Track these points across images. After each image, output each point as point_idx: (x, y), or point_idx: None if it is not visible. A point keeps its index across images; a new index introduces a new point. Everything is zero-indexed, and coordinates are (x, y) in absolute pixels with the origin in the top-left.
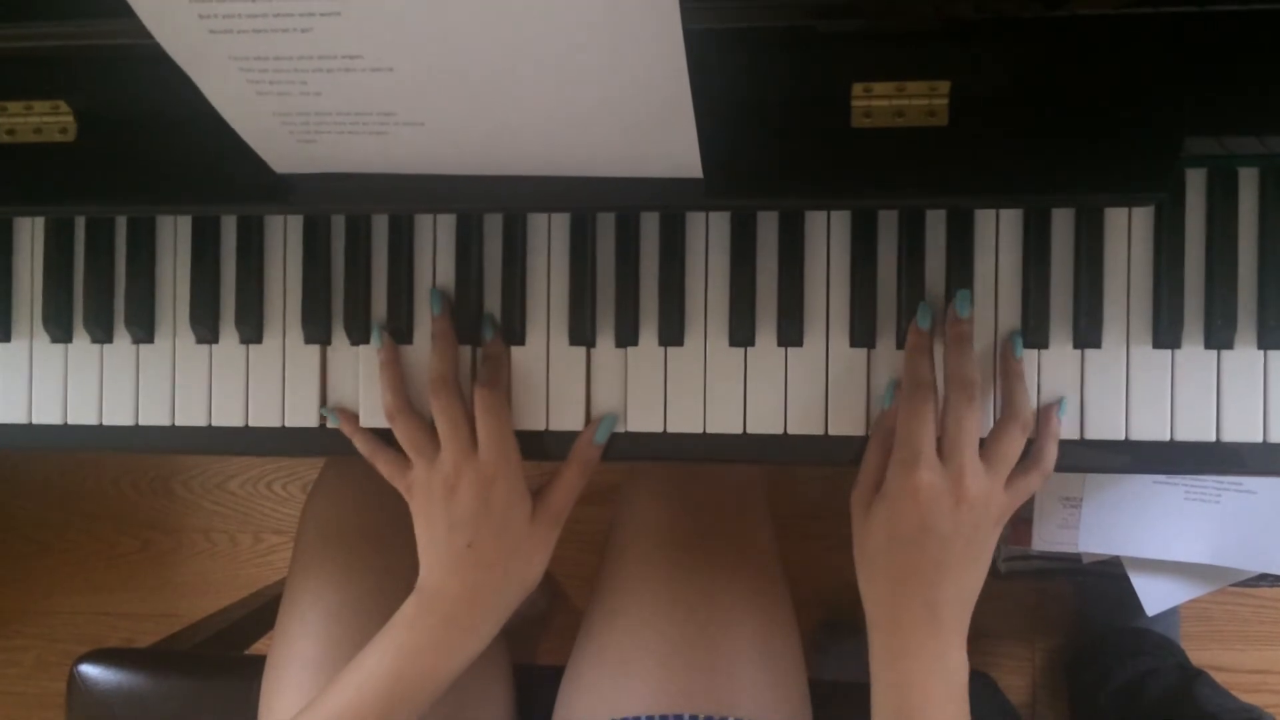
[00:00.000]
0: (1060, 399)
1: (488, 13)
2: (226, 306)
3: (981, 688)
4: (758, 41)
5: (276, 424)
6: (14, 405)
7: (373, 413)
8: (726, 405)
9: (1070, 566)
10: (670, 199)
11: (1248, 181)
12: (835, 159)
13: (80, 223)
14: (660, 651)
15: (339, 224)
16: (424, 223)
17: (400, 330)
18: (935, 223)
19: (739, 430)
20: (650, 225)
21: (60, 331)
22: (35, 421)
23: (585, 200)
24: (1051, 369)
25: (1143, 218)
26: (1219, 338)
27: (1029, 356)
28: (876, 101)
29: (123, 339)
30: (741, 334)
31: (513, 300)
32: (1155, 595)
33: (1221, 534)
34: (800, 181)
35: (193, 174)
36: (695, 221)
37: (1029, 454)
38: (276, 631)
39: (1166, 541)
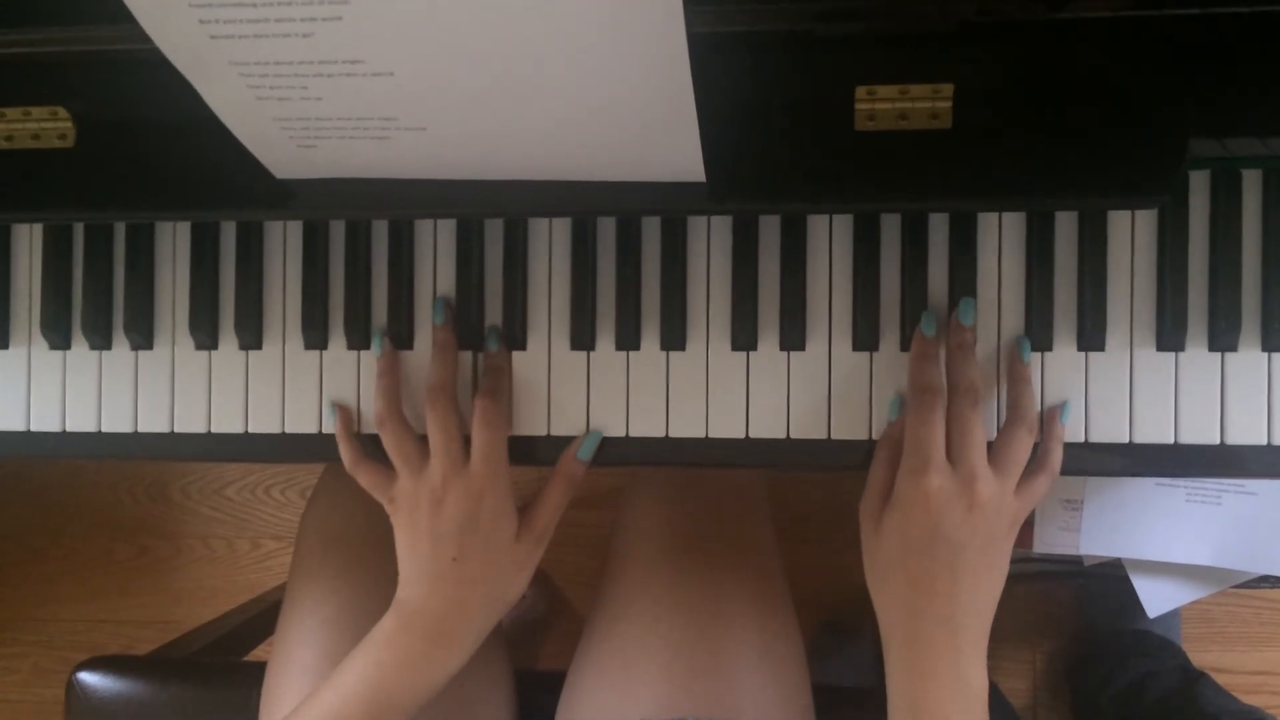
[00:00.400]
0: (1064, 402)
1: (490, 18)
2: (226, 312)
3: None
4: (761, 45)
5: (276, 430)
6: (12, 413)
7: (367, 421)
8: (728, 410)
9: (1071, 569)
10: (673, 203)
11: (1251, 183)
12: (839, 162)
13: (79, 229)
14: (663, 656)
15: (339, 229)
16: (424, 228)
17: (400, 336)
18: (938, 225)
19: (741, 435)
20: (651, 229)
21: (59, 338)
22: (33, 429)
23: (587, 205)
24: (1055, 372)
25: (1146, 220)
26: (1223, 340)
27: (1033, 359)
28: (880, 105)
29: (121, 346)
30: (743, 338)
31: (514, 305)
32: (1157, 597)
33: (1223, 536)
34: (804, 185)
35: (192, 180)
36: (697, 225)
37: (1035, 458)
38: (276, 638)
39: (1168, 543)
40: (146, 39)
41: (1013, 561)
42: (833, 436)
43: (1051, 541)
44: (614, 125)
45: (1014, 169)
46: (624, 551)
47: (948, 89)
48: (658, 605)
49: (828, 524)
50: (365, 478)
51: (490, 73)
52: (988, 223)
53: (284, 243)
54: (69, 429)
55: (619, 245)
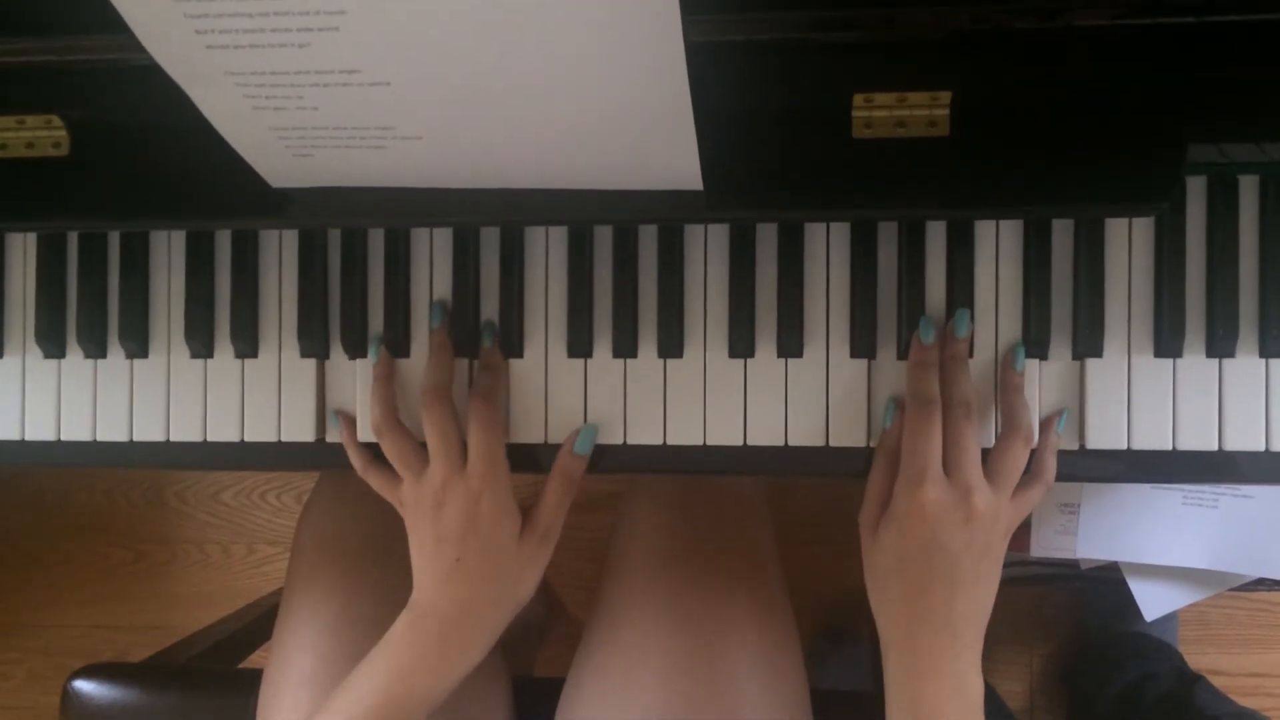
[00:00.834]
0: (1061, 411)
1: (487, 27)
2: (221, 321)
3: None
4: (758, 53)
5: (272, 439)
6: (6, 421)
7: (366, 428)
8: (726, 417)
9: (1068, 572)
10: (671, 211)
11: (1248, 189)
12: (837, 170)
13: (73, 236)
14: (662, 663)
15: (335, 237)
16: (420, 235)
17: (397, 343)
18: (935, 232)
19: (739, 442)
20: (648, 237)
21: (53, 347)
22: (28, 438)
23: (585, 213)
24: (1053, 379)
25: (1143, 226)
26: (1221, 346)
27: (1030, 366)
28: (878, 112)
29: (116, 354)
30: (741, 345)
31: (510, 312)
32: (1154, 600)
33: (1219, 539)
34: (802, 193)
35: (188, 189)
36: (694, 233)
37: (1030, 467)
38: (273, 646)
39: (1164, 546)
40: (141, 49)
41: (1010, 564)
42: (831, 444)
43: (1049, 545)
44: (612, 134)
45: (1012, 177)
46: (623, 557)
47: (945, 96)
48: (657, 612)
49: (826, 528)
50: (376, 481)
51: (487, 82)
52: (985, 230)
53: (279, 251)
54: (64, 438)
55: (616, 253)
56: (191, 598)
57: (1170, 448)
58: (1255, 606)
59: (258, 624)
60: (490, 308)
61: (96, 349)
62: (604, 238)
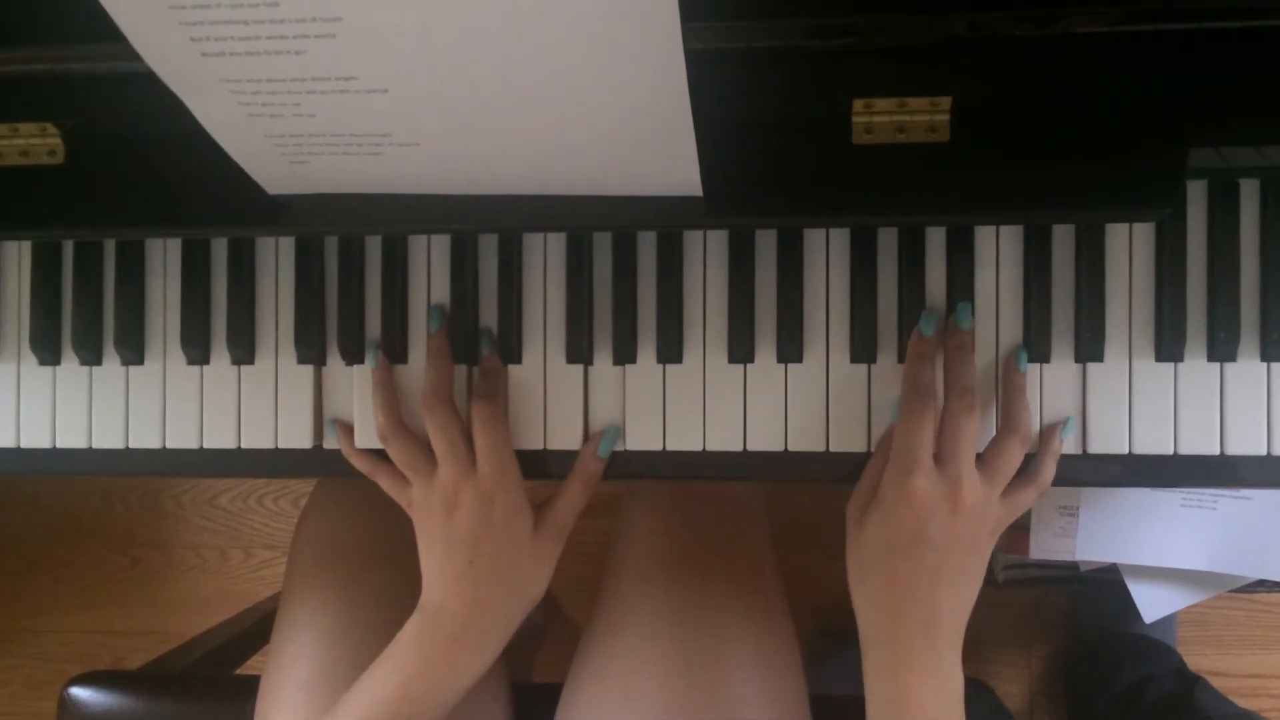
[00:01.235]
0: (1066, 419)
1: (486, 34)
2: (218, 327)
3: (979, 696)
4: (757, 59)
5: (270, 446)
6: (2, 429)
7: (368, 433)
8: (726, 423)
9: (1067, 574)
10: (670, 218)
11: (1249, 193)
12: (837, 176)
13: (68, 243)
14: (662, 669)
15: (332, 244)
16: (418, 242)
17: (394, 350)
18: (935, 237)
19: (739, 448)
20: (647, 242)
21: (48, 354)
22: (23, 446)
23: (583, 220)
24: (1054, 383)
25: (1144, 230)
26: (1222, 350)
27: (1031, 370)
28: (878, 117)
29: (112, 361)
30: (740, 351)
31: (509, 318)
32: (1153, 602)
33: (1218, 540)
34: (802, 199)
35: (184, 196)
36: (693, 238)
37: (1027, 469)
38: (271, 653)
39: (1164, 548)
40: (137, 56)
41: (1009, 567)
42: (831, 449)
43: (1048, 548)
44: (611, 140)
45: (1013, 182)
46: (621, 562)
47: (946, 102)
48: (656, 618)
49: (823, 531)
50: (385, 482)
51: (486, 88)
52: (985, 235)
53: (276, 257)
54: (59, 445)
55: (615, 259)
56: (188, 603)
57: (1172, 452)
58: (1254, 608)
59: (255, 629)
60: (488, 314)
61: (92, 356)
62: (603, 243)
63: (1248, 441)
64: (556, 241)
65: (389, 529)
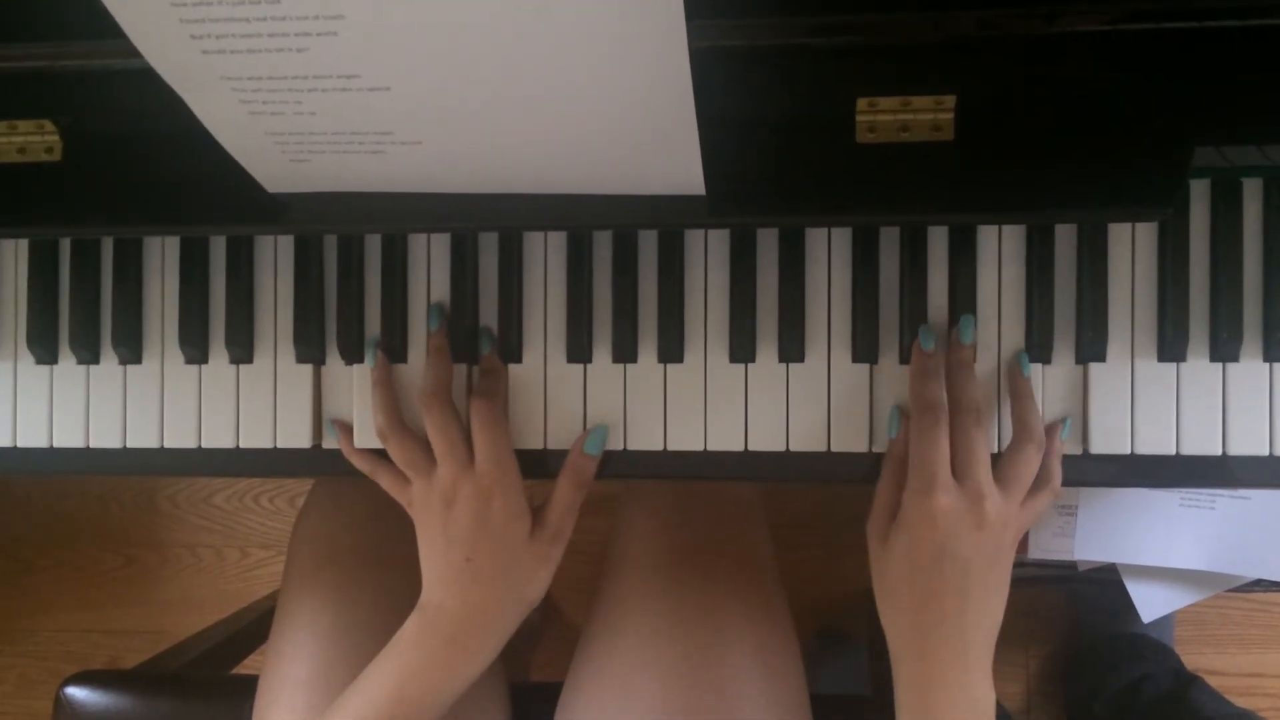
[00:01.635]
0: (1064, 419)
1: (489, 32)
2: (216, 326)
3: None
4: (762, 58)
5: (268, 445)
6: None
7: (368, 432)
8: (727, 422)
9: (1066, 574)
10: (672, 217)
11: (1252, 192)
12: (840, 174)
13: (65, 241)
14: (661, 670)
15: (331, 241)
16: (418, 240)
17: (394, 349)
18: (937, 236)
19: (740, 447)
20: (648, 241)
21: (45, 353)
22: (20, 445)
23: (585, 218)
24: (1056, 383)
25: (1146, 230)
26: (1224, 350)
27: (1033, 371)
28: (881, 116)
29: (110, 360)
30: (742, 350)
31: (509, 317)
32: (1151, 602)
33: (1217, 540)
34: (805, 198)
35: (182, 194)
36: (694, 237)
37: (1038, 474)
38: (269, 653)
39: (1162, 548)
40: (136, 53)
41: None
42: (832, 449)
43: (1046, 547)
44: (615, 139)
45: (1017, 181)
46: (620, 561)
47: (950, 100)
48: (655, 618)
49: (821, 531)
50: (386, 480)
51: (489, 86)
52: (987, 234)
53: (275, 255)
54: (57, 444)
55: (615, 257)
56: (184, 602)
57: (1174, 452)
58: (1251, 607)
59: (251, 628)
60: (488, 313)
61: (89, 354)
62: (603, 242)
63: (1250, 442)
64: (557, 240)
65: (387, 529)
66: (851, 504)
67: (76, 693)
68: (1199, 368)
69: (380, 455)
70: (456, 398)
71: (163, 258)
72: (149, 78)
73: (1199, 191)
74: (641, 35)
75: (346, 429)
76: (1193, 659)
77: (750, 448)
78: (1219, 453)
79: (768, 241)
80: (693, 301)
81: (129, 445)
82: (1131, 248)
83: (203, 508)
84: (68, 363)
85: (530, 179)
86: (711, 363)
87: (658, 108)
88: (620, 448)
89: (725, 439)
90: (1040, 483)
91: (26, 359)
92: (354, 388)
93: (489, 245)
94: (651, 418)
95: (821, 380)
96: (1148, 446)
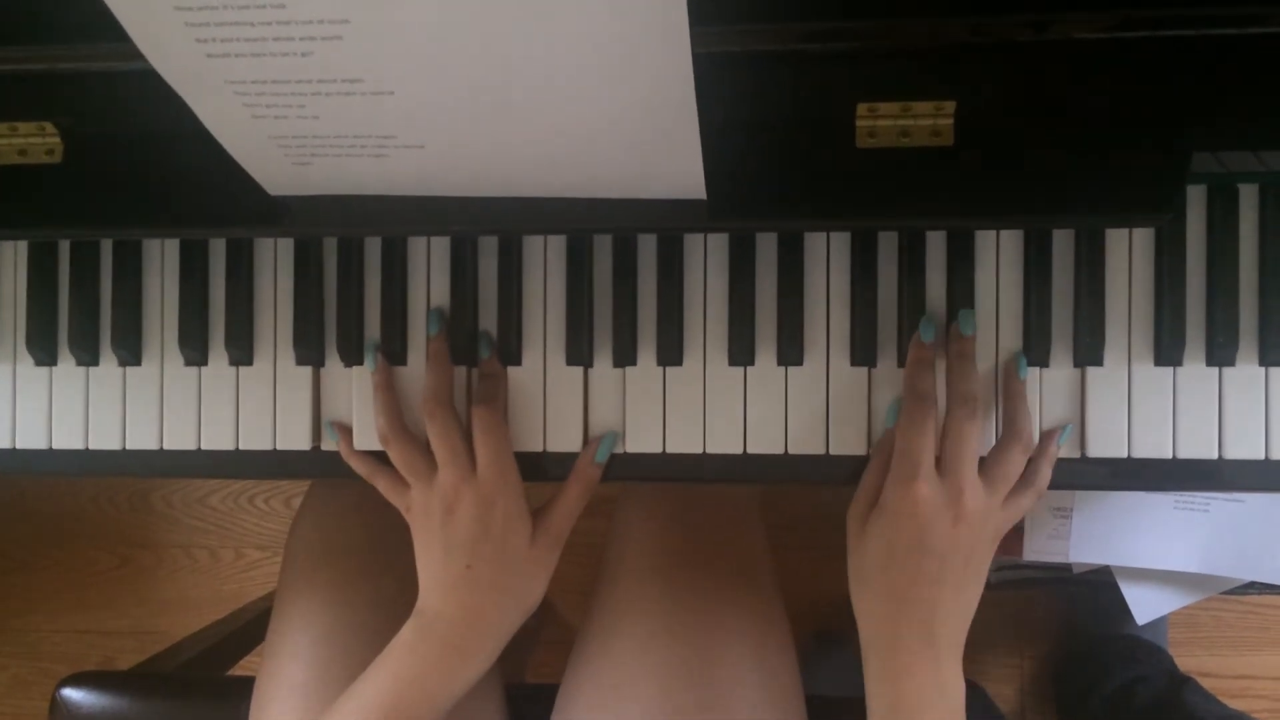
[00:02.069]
0: (1064, 426)
1: (492, 36)
2: (216, 328)
3: (970, 696)
4: (763, 63)
5: (268, 447)
6: None
7: (367, 435)
8: (726, 425)
9: (1060, 575)
10: (672, 220)
11: (1248, 198)
12: (840, 179)
13: (65, 244)
14: (658, 672)
15: (330, 244)
16: (417, 243)
17: (394, 352)
18: (936, 241)
19: (739, 450)
20: (647, 245)
21: (45, 354)
22: (19, 446)
23: (584, 222)
24: (1053, 387)
25: (1143, 235)
26: (1221, 355)
27: (1030, 374)
28: (881, 121)
29: (109, 362)
30: (741, 353)
31: (509, 320)
32: (1145, 604)
33: (1211, 543)
34: (805, 202)
35: (183, 197)
36: (693, 240)
37: (1024, 474)
38: (265, 655)
39: (1156, 551)
40: (139, 55)
41: (1002, 568)
42: (831, 451)
43: (1041, 549)
44: (617, 143)
45: (1016, 187)
46: (617, 563)
47: (950, 106)
48: (652, 620)
49: (818, 532)
50: (384, 485)
51: (492, 91)
52: (985, 239)
53: (275, 257)
54: (56, 446)
55: (615, 260)
56: (179, 603)
57: (1170, 456)
58: (1244, 609)
59: (246, 630)
60: (488, 316)
61: (89, 356)
62: (603, 246)
63: (1246, 446)
64: (557, 244)
65: (384, 531)
66: (848, 506)
67: (73, 694)
68: (1195, 372)
69: (379, 458)
70: (457, 400)
71: (162, 260)
72: (150, 80)
73: (1195, 197)
74: (645, 40)
75: (345, 431)
76: (1186, 661)
77: (749, 450)
78: (1215, 456)
79: (767, 246)
80: (692, 305)
81: (128, 447)
82: (1129, 253)
83: (198, 508)
84: (67, 364)
85: (533, 183)
86: (711, 366)
87: (661, 112)
88: (619, 450)
89: (724, 442)
90: (1024, 483)
91: (26, 361)
92: (353, 390)
93: (489, 249)
94: (651, 420)
95: (820, 383)
96: (1145, 450)
